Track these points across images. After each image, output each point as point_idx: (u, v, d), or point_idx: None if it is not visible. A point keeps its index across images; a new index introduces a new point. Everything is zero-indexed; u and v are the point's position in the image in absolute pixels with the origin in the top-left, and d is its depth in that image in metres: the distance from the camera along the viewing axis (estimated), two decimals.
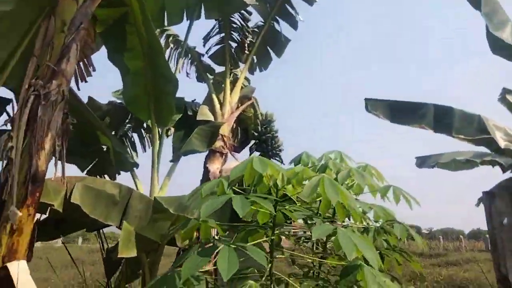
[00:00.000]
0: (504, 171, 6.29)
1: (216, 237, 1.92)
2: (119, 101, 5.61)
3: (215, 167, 4.95)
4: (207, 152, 5.19)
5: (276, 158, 6.42)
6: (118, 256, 3.78)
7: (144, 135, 6.50)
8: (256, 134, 6.07)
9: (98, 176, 5.73)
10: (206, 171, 4.92)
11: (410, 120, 6.28)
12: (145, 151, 6.62)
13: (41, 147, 2.98)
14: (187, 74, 6.17)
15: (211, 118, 5.42)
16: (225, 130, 5.28)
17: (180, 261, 1.70)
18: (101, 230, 5.50)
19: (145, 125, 5.95)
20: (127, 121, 5.82)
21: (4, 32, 3.45)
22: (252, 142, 6.38)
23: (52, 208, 3.66)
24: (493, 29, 4.65)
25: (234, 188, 2.11)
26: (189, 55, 6.10)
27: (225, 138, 5.20)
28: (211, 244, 1.74)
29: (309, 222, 2.41)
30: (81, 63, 4.25)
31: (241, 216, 1.57)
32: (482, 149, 6.47)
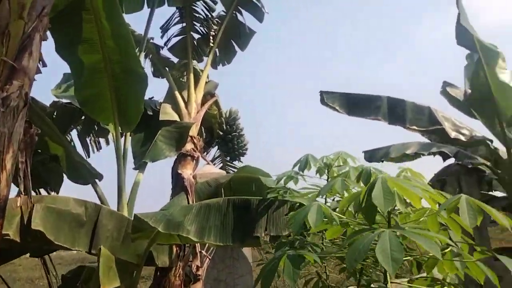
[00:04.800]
0: (445, 159, 6.66)
1: None
2: (65, 100, 4.78)
3: (188, 172, 4.44)
4: (175, 156, 4.66)
5: (238, 158, 6.09)
6: None
7: (89, 141, 5.71)
8: (221, 133, 5.65)
9: (37, 191, 4.90)
10: (178, 177, 4.39)
11: (366, 112, 6.36)
12: (88, 156, 5.85)
13: (2, 167, 2.30)
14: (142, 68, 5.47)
15: (176, 117, 4.88)
16: (193, 131, 4.78)
17: None
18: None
19: (95, 128, 5.21)
20: (73, 124, 5.02)
21: None
22: (217, 141, 5.96)
23: None
24: (463, 20, 4.83)
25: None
26: (143, 46, 5.43)
27: (194, 140, 4.71)
28: None
29: None
30: None
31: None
32: (417, 136, 6.81)
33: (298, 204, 2.60)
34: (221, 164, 6.70)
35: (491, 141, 5.81)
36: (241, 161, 6.55)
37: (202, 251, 4.02)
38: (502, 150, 5.78)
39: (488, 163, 5.94)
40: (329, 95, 6.31)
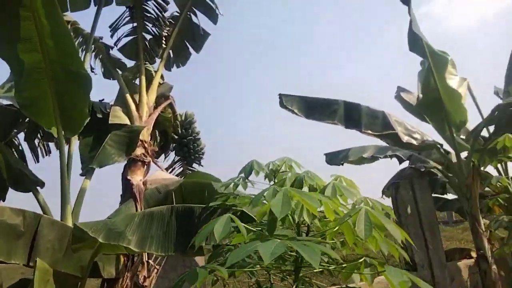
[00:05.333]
0: (400, 162, 6.83)
1: None
2: (6, 102, 4.50)
3: (138, 179, 4.27)
4: (125, 161, 4.48)
5: (197, 162, 5.97)
6: None
7: (38, 144, 5.43)
8: (176, 137, 5.51)
9: None
10: (127, 183, 4.22)
11: (324, 116, 6.41)
12: (38, 161, 5.57)
13: None
14: (92, 69, 5.26)
15: (127, 121, 4.70)
16: (145, 135, 4.62)
17: None
18: None
19: (41, 132, 4.94)
20: (17, 127, 4.73)
21: None
22: (172, 146, 5.81)
23: None
24: (415, 27, 4.94)
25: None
26: (93, 46, 5.21)
27: (146, 144, 4.55)
28: None
29: None
30: None
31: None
32: (376, 141, 6.96)
33: (239, 213, 2.54)
34: (181, 169, 6.55)
35: (441, 145, 5.98)
36: (201, 165, 6.43)
37: (149, 261, 3.88)
38: (453, 154, 5.95)
39: (440, 167, 6.11)
40: (288, 98, 6.30)
